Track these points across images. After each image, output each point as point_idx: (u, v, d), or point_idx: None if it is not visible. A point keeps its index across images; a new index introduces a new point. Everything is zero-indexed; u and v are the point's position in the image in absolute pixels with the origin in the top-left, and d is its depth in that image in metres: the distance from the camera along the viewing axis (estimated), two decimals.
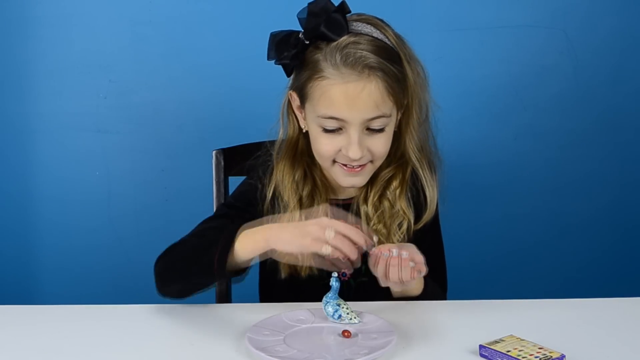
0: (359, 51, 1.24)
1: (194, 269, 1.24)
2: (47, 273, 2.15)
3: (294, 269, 1.34)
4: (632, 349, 1.09)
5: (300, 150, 1.37)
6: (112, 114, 2.08)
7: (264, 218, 1.29)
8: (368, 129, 1.27)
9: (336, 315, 1.15)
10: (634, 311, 1.23)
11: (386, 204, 1.35)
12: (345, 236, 1.14)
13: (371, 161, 1.31)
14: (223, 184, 1.60)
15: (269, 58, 1.30)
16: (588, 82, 2.09)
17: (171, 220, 2.11)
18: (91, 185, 2.11)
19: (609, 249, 2.16)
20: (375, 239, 1.20)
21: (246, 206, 1.37)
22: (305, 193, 1.35)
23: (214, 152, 1.61)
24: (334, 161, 1.30)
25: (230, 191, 1.49)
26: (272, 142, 1.40)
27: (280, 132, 1.38)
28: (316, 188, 1.36)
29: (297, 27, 1.30)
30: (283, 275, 1.35)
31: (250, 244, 1.20)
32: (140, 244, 2.12)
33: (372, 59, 1.24)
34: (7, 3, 2.04)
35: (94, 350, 1.11)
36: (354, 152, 1.26)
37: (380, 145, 1.29)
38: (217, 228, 1.30)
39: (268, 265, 1.39)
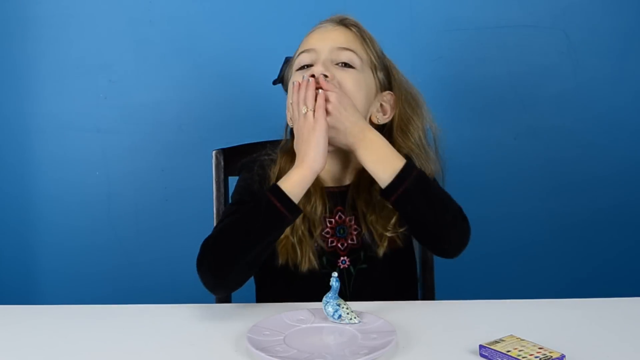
0: (340, 14, 1.39)
1: (257, 228, 1.23)
2: (47, 273, 2.15)
3: (292, 259, 1.34)
4: (632, 349, 1.09)
5: None
6: (112, 114, 2.09)
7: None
8: (337, 64, 1.33)
9: (336, 315, 1.15)
10: (634, 311, 1.23)
11: (375, 194, 1.34)
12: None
13: None
14: (223, 184, 1.60)
15: (274, 82, 1.44)
16: (588, 82, 2.09)
17: (171, 220, 2.12)
18: (91, 185, 2.11)
19: (609, 249, 2.15)
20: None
21: (253, 198, 1.36)
22: None
23: (214, 152, 1.61)
24: None
25: (230, 191, 1.49)
26: (272, 144, 1.43)
27: (284, 137, 1.44)
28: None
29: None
30: (281, 260, 1.34)
31: (297, 180, 1.24)
32: (140, 244, 2.12)
33: (351, 20, 1.39)
34: (7, 3, 2.04)
35: (94, 350, 1.11)
36: (317, 68, 1.31)
37: (349, 79, 1.33)
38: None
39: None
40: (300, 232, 1.33)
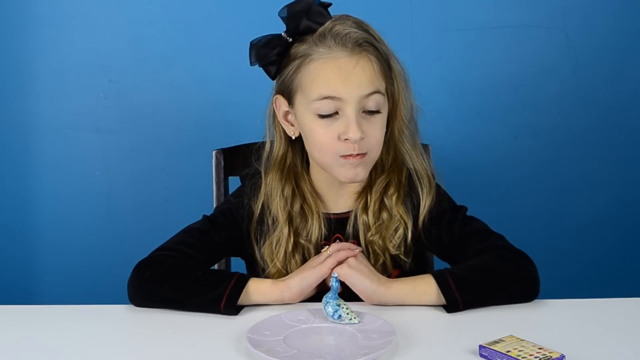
0: (346, 29, 1.25)
1: (196, 300, 1.23)
2: (47, 273, 2.15)
3: None
4: (632, 349, 1.09)
5: (288, 165, 1.36)
6: (112, 114, 2.09)
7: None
8: (364, 111, 1.26)
9: (336, 316, 1.15)
10: (634, 311, 1.23)
11: (385, 214, 1.33)
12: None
13: (367, 153, 1.28)
14: (223, 184, 1.60)
15: (251, 64, 1.31)
16: (588, 82, 2.09)
17: (171, 220, 2.09)
18: (91, 185, 2.11)
19: (609, 249, 2.16)
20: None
21: (229, 224, 1.37)
22: (295, 208, 1.34)
23: (214, 152, 1.61)
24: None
25: (230, 191, 1.49)
26: (258, 151, 1.40)
27: (267, 144, 1.38)
28: (306, 203, 1.35)
29: None
30: None
31: (264, 291, 1.24)
32: (140, 244, 2.10)
33: (360, 36, 1.26)
34: (7, 3, 2.04)
35: (94, 350, 1.11)
36: (354, 132, 1.23)
37: (377, 130, 1.27)
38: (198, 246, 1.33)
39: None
40: (293, 263, 1.33)
